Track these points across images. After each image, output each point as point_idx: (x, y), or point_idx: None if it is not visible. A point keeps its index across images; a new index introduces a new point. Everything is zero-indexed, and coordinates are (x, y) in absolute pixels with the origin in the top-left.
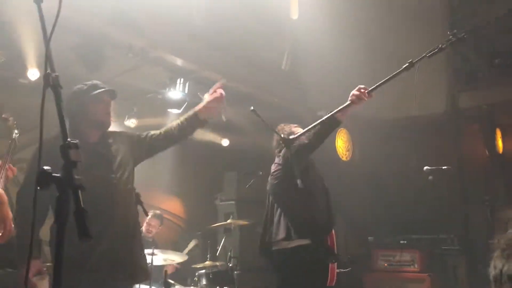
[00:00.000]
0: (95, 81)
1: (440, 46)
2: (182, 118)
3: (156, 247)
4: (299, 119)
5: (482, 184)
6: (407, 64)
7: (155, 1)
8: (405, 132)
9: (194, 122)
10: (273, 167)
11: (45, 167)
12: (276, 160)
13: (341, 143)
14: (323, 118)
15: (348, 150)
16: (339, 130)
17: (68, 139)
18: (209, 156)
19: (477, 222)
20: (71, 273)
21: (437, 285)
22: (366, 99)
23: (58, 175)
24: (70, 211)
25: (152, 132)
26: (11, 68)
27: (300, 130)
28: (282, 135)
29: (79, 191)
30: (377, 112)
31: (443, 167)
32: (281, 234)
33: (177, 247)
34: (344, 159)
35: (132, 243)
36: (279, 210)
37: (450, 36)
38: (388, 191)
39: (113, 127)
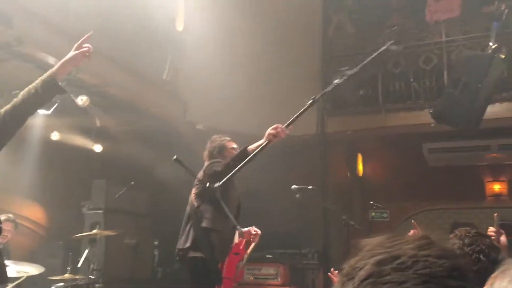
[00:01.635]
0: None
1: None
2: (33, 85)
3: (8, 257)
4: (178, 131)
5: (342, 204)
6: (311, 101)
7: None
8: (277, 151)
9: (50, 88)
10: (196, 180)
11: None
12: (200, 173)
13: None
14: (238, 153)
15: None
16: None
17: None
18: (77, 162)
19: (336, 240)
20: None
21: None
22: (283, 136)
23: None
24: None
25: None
26: None
27: (233, 145)
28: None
29: None
30: (252, 129)
31: (309, 187)
32: (187, 243)
33: (34, 258)
34: None
35: None
36: (191, 220)
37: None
38: (256, 207)
39: None
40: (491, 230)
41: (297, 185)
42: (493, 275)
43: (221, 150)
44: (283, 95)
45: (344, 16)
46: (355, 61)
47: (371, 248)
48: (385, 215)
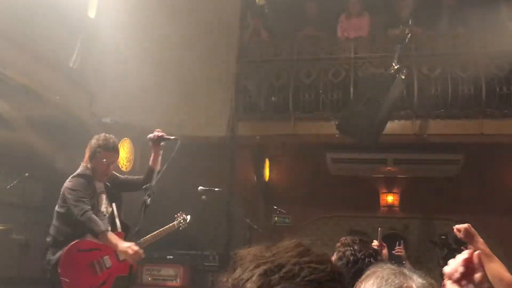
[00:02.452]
0: None
1: None
2: None
3: None
4: (82, 122)
5: (247, 208)
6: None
7: None
8: (186, 151)
9: None
10: None
11: None
12: None
13: (123, 153)
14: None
15: (129, 161)
16: (123, 139)
17: None
18: None
19: (238, 242)
20: None
21: None
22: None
23: None
24: None
25: None
26: None
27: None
28: None
29: None
30: (161, 127)
31: (215, 189)
32: None
33: None
34: (123, 169)
35: None
36: None
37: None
38: (160, 206)
39: None
40: (374, 244)
41: (204, 187)
42: (360, 280)
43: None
44: (194, 93)
45: (260, 22)
46: (269, 66)
47: (253, 259)
48: (287, 220)
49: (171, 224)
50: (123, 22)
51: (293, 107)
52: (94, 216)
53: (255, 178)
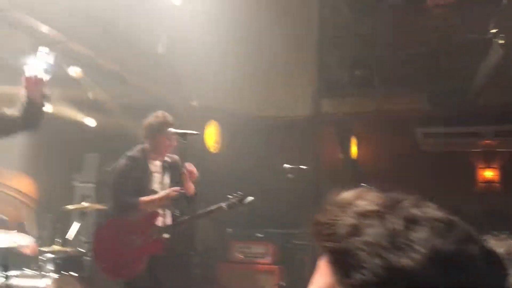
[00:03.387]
0: None
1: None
2: None
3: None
4: (171, 107)
5: (334, 186)
6: None
7: None
8: (270, 131)
9: None
10: None
11: None
12: None
13: (211, 135)
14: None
15: (216, 143)
16: (209, 121)
17: None
18: (71, 135)
19: None
20: None
21: (285, 277)
22: None
23: None
24: None
25: None
26: None
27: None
28: None
29: None
30: (247, 108)
31: (301, 167)
32: None
33: (24, 229)
34: (211, 150)
35: None
36: None
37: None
38: (248, 185)
39: None
40: None
41: (289, 165)
42: None
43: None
44: (276, 74)
45: None
46: (351, 43)
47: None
48: None
49: (217, 205)
50: (206, 7)
51: (378, 82)
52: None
53: (342, 156)
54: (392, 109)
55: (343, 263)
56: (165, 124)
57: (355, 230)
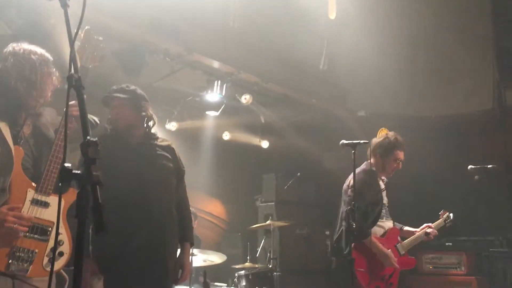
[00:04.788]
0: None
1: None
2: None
3: (199, 246)
4: (339, 120)
5: None
6: None
7: (190, 5)
8: (447, 130)
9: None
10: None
11: (66, 165)
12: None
13: None
14: None
15: None
16: (380, 129)
17: (88, 137)
18: (247, 158)
19: None
20: (107, 267)
21: None
22: None
23: (78, 172)
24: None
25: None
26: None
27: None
28: None
29: (97, 187)
30: (417, 110)
31: (489, 166)
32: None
33: (219, 249)
34: None
35: (168, 240)
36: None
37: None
38: (430, 192)
39: (156, 131)
40: None
41: (474, 165)
42: None
43: (387, 153)
44: (448, 70)
45: None
46: None
47: None
48: None
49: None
50: (362, 16)
51: None
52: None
53: None
54: None
55: None
56: (396, 145)
57: None
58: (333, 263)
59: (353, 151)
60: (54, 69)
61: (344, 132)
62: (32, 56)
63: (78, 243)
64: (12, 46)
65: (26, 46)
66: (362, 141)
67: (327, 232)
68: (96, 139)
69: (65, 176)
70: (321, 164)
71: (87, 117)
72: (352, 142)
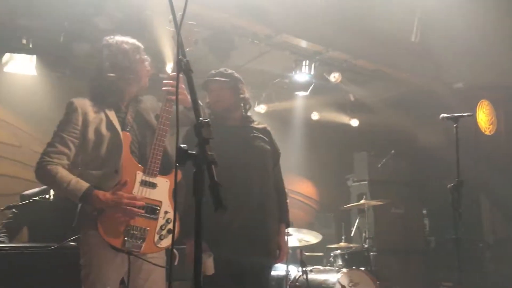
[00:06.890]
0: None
1: None
2: None
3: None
4: (434, 93)
5: None
6: None
7: None
8: None
9: None
10: None
11: (182, 145)
12: None
13: (483, 116)
14: None
15: (491, 123)
16: (480, 102)
17: (200, 119)
18: (337, 138)
19: None
20: (212, 246)
21: None
22: None
23: (193, 152)
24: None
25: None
26: (153, 65)
27: None
28: None
29: (213, 166)
30: None
31: None
32: None
33: (312, 229)
34: (487, 133)
35: (268, 221)
36: None
37: None
38: None
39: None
40: None
41: None
42: None
43: None
44: None
45: None
46: None
47: None
48: None
49: None
50: None
51: None
52: None
53: None
54: None
55: None
56: None
57: None
58: (432, 242)
59: (455, 125)
60: (146, 56)
61: (439, 106)
62: (125, 46)
63: (197, 221)
64: (106, 40)
65: (118, 37)
66: (465, 114)
67: (424, 211)
68: (208, 120)
69: (181, 156)
70: (416, 140)
71: (197, 99)
72: (454, 116)
